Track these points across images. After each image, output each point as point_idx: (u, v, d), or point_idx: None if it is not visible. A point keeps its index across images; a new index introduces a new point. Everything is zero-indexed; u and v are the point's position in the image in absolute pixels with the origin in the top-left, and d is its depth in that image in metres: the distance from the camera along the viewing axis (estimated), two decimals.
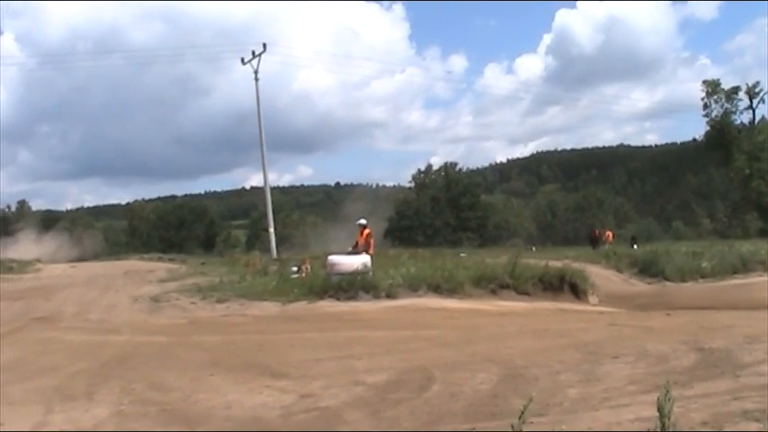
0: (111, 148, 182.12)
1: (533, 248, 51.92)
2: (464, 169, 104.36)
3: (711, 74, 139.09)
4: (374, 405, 8.21)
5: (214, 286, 24.85)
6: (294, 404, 8.52)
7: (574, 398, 8.02)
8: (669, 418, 4.48)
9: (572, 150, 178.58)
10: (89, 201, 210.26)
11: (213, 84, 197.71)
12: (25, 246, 74.90)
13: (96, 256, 70.00)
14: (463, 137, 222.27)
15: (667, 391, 4.53)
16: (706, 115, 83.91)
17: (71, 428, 7.90)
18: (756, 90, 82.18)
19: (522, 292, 20.90)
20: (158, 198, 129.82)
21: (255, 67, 50.52)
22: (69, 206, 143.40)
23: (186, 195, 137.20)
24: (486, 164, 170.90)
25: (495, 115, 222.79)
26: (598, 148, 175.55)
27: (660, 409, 4.48)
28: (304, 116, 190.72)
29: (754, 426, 6.37)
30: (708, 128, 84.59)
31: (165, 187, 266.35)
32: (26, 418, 8.45)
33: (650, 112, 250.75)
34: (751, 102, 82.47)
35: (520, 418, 3.89)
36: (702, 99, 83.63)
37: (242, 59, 51.23)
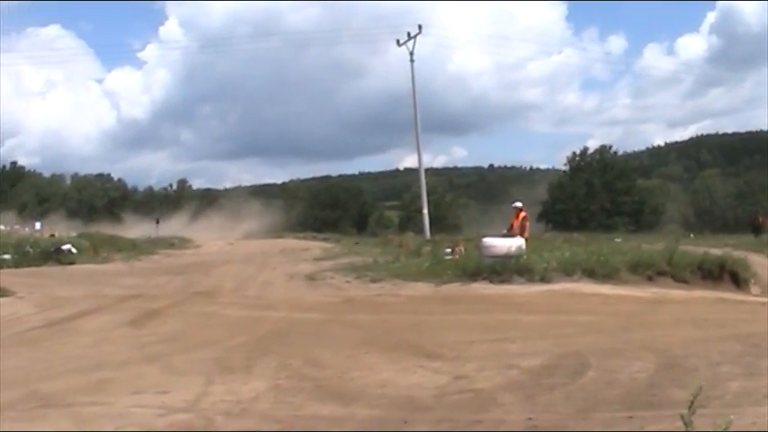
0: (269, 128, 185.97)
1: (691, 235, 50.36)
2: (620, 152, 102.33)
3: None
4: (528, 389, 8.17)
5: (368, 266, 25.18)
6: (448, 385, 8.55)
7: (736, 391, 7.78)
8: None
9: (734, 134, 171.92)
10: (246, 180, 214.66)
11: (368, 65, 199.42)
12: (184, 223, 77.56)
13: (254, 235, 71.56)
14: (620, 119, 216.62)
15: None
16: None
17: (231, 399, 8.14)
18: None
19: (679, 279, 20.29)
20: (313, 178, 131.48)
21: (411, 49, 50.76)
22: (228, 185, 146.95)
23: (340, 175, 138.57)
24: (644, 147, 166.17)
25: (655, 97, 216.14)
26: (762, 132, 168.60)
27: None
28: (459, 98, 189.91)
29: None
30: None
31: (320, 167, 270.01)
32: (189, 387, 8.76)
33: None
34: None
35: (690, 408, 3.77)
36: None
37: (397, 41, 51.56)
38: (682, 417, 3.72)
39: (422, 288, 19.60)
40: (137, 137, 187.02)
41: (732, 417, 3.89)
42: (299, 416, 7.47)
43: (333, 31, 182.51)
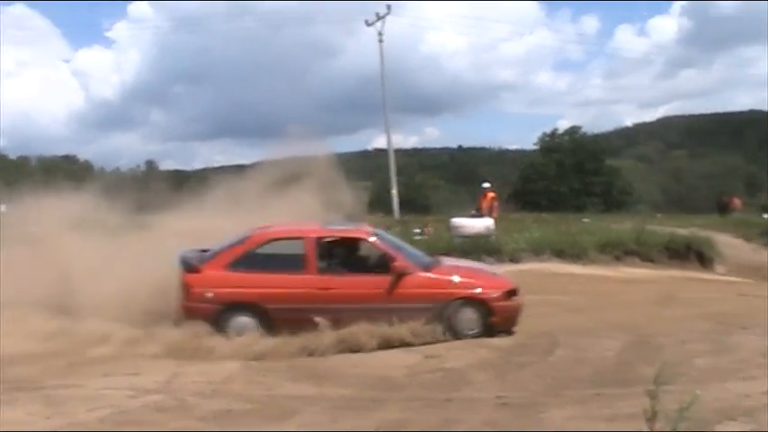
0: (242, 109, 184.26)
1: (658, 215, 50.43)
2: (589, 133, 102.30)
3: None
4: (499, 367, 8.26)
5: None
6: (419, 364, 8.62)
7: (702, 368, 7.92)
8: None
9: (701, 116, 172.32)
10: (218, 161, 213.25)
11: (342, 46, 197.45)
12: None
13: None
14: (593, 100, 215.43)
15: None
16: None
17: (203, 380, 8.17)
18: None
19: (647, 259, 20.47)
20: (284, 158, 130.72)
21: (380, 29, 50.38)
22: (197, 166, 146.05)
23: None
24: (612, 128, 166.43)
25: (626, 78, 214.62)
26: (729, 114, 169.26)
27: None
28: (432, 78, 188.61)
29: None
30: None
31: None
32: (161, 369, 8.76)
33: None
34: None
35: (655, 382, 3.84)
36: None
37: (366, 21, 51.07)
38: (648, 393, 3.78)
39: None
40: (106, 117, 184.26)
41: (698, 392, 3.96)
42: (272, 395, 7.50)
43: (307, 11, 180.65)
